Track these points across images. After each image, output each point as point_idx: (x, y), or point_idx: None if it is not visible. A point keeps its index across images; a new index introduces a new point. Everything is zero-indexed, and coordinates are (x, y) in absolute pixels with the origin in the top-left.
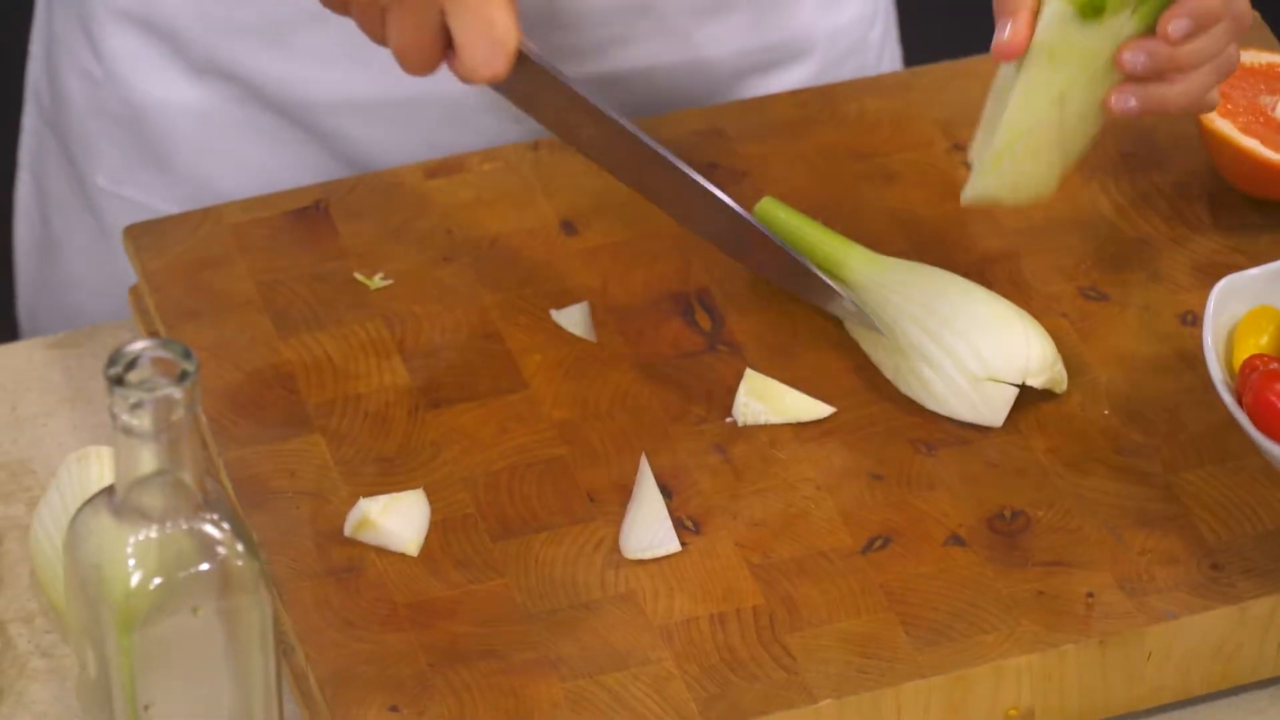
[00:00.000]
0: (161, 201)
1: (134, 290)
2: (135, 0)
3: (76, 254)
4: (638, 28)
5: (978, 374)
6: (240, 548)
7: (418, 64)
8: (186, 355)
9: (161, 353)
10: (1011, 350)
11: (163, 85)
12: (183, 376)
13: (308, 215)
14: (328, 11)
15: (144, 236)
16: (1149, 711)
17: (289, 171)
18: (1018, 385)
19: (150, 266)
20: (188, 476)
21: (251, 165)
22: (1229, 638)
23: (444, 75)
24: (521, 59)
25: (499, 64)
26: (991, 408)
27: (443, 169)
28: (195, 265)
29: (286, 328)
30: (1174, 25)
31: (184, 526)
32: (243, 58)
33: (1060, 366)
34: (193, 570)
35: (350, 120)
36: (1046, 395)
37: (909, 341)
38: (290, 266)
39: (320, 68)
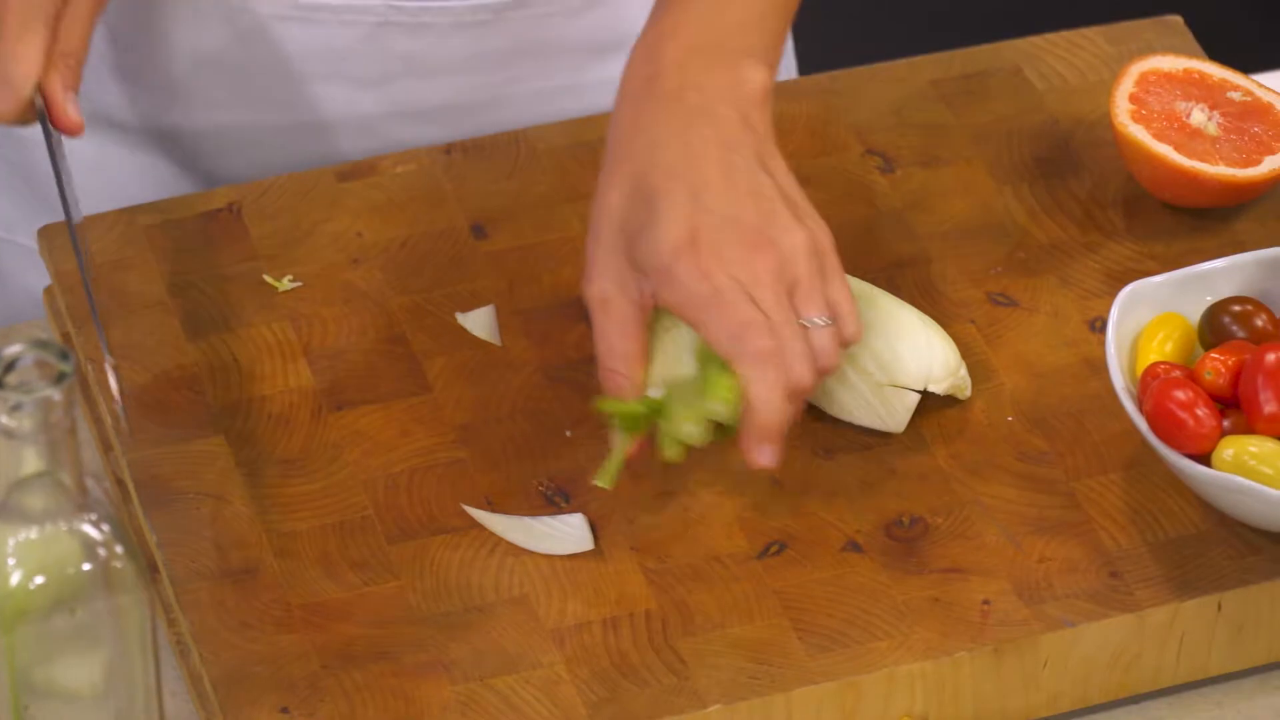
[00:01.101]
0: None
1: (48, 291)
2: None
3: None
4: (526, 69)
5: (880, 380)
6: (120, 549)
7: None
8: (64, 357)
9: (40, 355)
10: (914, 356)
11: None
12: (61, 378)
13: (220, 217)
14: (217, 58)
15: (58, 237)
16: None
17: None
18: (920, 391)
19: (62, 267)
20: (67, 478)
21: (142, 198)
22: (1127, 646)
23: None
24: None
25: (3, 106)
26: (893, 414)
27: (355, 171)
28: (108, 266)
29: (195, 329)
30: (762, 455)
31: (64, 527)
32: (132, 104)
33: (964, 373)
34: (72, 570)
35: (243, 157)
36: (950, 401)
37: None
38: (201, 268)
39: (212, 109)
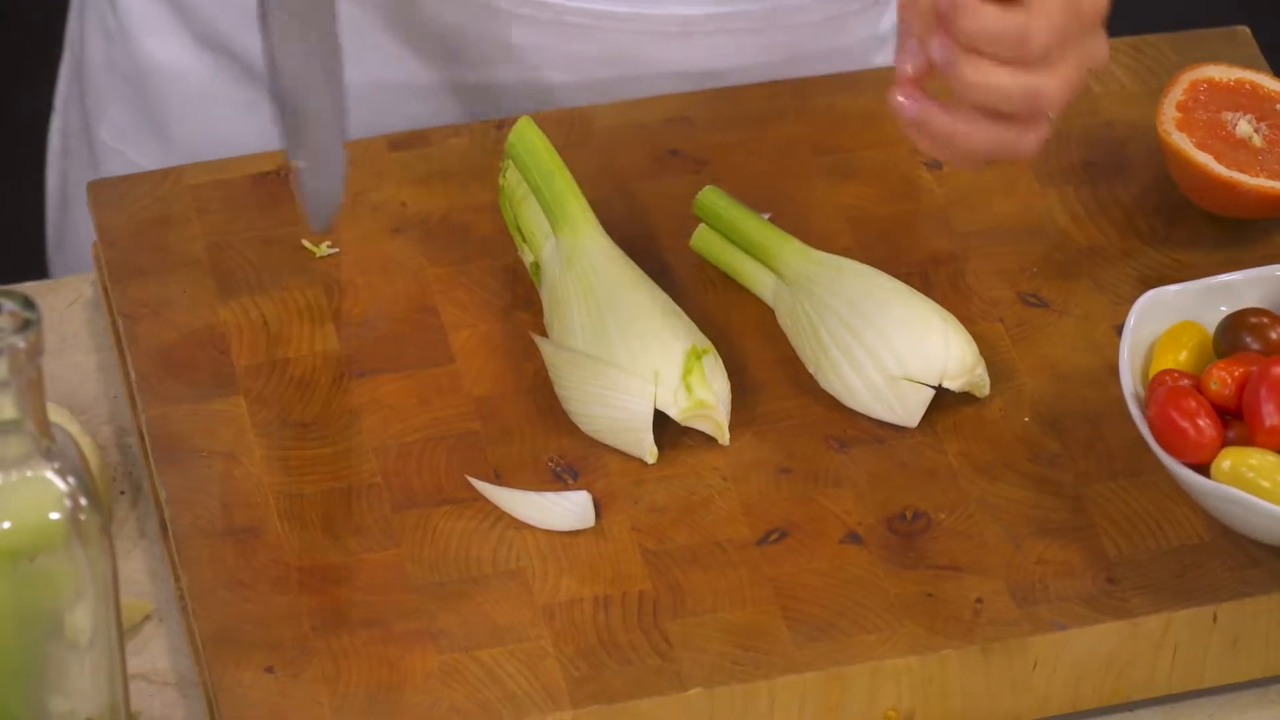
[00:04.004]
0: (156, 165)
1: (95, 246)
2: None
3: (82, 206)
4: None
5: (895, 373)
6: (84, 501)
7: None
8: (28, 305)
9: (5, 304)
10: (930, 351)
11: (168, 50)
12: (25, 326)
13: (268, 181)
14: None
15: (104, 193)
16: None
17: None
18: (934, 387)
19: (107, 223)
20: (32, 425)
21: (245, 142)
22: (1119, 652)
23: (413, 64)
24: None
25: None
26: (907, 408)
27: (406, 142)
28: (151, 223)
29: (228, 290)
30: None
31: (28, 475)
32: (244, 33)
33: (982, 370)
34: (34, 519)
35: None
36: (969, 399)
37: (831, 337)
38: (243, 230)
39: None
